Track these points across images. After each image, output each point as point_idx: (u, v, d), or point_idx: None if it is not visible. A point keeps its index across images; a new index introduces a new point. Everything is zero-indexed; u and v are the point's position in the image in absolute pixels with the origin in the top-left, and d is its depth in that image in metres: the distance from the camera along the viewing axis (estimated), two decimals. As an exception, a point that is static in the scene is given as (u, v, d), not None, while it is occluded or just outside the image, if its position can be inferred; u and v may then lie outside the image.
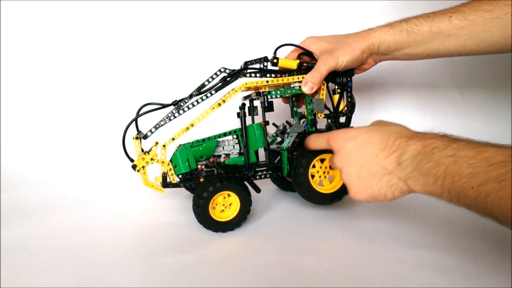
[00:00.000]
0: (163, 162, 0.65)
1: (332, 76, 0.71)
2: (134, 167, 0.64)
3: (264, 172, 0.70)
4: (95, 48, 0.93)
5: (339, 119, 0.73)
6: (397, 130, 0.52)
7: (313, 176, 0.69)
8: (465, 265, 0.59)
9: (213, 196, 0.63)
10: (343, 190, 0.69)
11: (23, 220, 0.67)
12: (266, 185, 0.83)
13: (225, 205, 0.66)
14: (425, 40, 0.64)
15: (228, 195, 0.65)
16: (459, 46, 0.64)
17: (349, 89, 0.71)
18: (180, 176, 0.67)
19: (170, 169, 0.66)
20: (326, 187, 0.69)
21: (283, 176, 0.71)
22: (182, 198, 0.76)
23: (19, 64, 0.93)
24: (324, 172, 0.69)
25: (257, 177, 0.70)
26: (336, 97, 0.72)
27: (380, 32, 0.66)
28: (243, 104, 0.70)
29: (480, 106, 0.92)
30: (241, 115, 0.69)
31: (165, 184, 0.68)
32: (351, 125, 0.72)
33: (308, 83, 0.66)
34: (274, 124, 0.82)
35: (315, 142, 0.63)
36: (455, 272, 0.57)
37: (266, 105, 0.68)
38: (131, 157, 0.65)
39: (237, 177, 0.67)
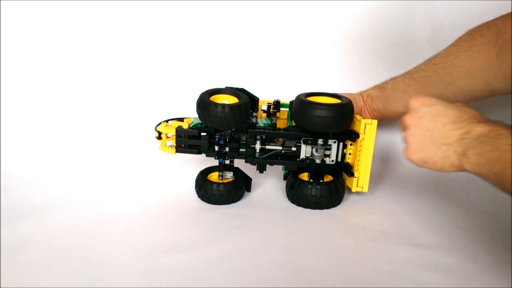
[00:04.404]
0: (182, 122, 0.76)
1: None
2: (159, 134, 0.75)
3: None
4: (91, 53, 0.93)
5: None
6: (473, 112, 0.56)
7: None
8: (465, 265, 0.59)
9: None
10: None
11: (23, 220, 0.67)
12: (266, 185, 0.83)
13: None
14: (390, 95, 0.77)
15: None
16: None
17: None
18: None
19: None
20: None
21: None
22: (182, 198, 0.77)
23: (20, 65, 0.93)
24: None
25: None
26: None
27: (367, 90, 0.81)
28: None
29: (480, 106, 0.92)
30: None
31: (177, 148, 0.75)
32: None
33: None
34: None
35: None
36: (455, 272, 0.57)
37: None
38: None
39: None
